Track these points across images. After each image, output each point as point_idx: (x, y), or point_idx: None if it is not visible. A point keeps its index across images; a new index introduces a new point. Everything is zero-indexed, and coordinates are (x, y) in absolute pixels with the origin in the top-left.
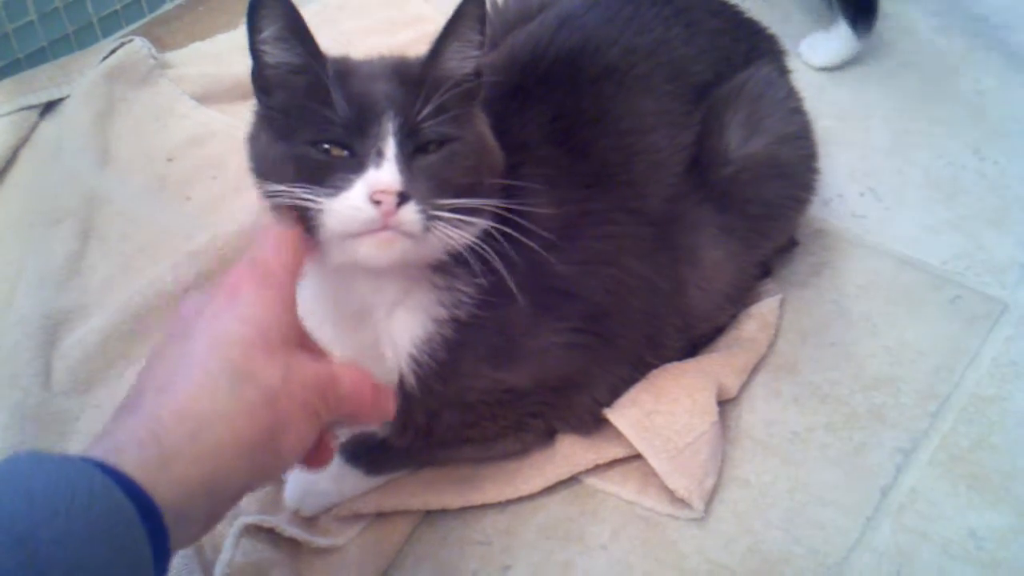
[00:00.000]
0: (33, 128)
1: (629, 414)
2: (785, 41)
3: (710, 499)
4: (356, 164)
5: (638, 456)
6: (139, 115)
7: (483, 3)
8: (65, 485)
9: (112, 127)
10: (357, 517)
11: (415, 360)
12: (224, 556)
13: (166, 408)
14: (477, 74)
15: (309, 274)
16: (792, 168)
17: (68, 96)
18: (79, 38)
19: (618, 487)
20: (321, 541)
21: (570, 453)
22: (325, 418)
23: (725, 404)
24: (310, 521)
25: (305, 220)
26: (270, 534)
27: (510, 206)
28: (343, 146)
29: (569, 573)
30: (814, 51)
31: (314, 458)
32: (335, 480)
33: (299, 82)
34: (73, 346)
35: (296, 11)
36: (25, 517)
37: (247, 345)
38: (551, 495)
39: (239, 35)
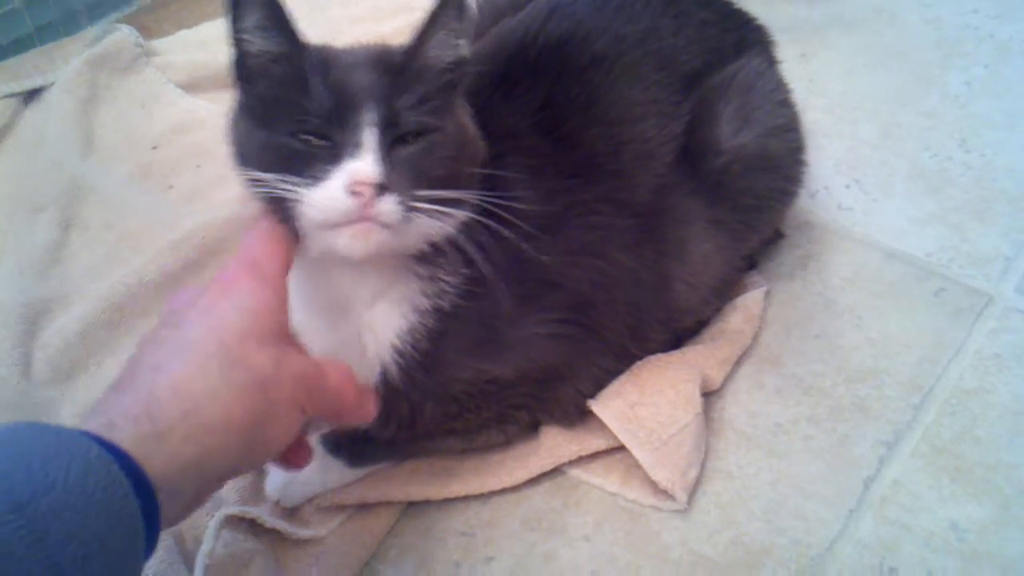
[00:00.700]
0: (16, 116)
1: (613, 406)
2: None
3: (693, 491)
4: (335, 155)
5: (621, 448)
6: (123, 103)
7: None
8: (63, 456)
9: (96, 115)
10: (339, 508)
11: (398, 351)
12: (205, 547)
13: (160, 386)
14: (459, 63)
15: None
16: (781, 160)
17: (52, 84)
18: (65, 25)
19: (601, 479)
20: (303, 532)
21: (553, 445)
22: (309, 412)
23: (709, 396)
24: (292, 512)
25: (284, 210)
26: (252, 525)
27: (491, 198)
28: (322, 136)
29: (552, 564)
30: None
31: (292, 457)
32: (317, 471)
33: (279, 71)
34: (53, 336)
35: (279, 2)
36: (23, 486)
37: (242, 333)
38: (534, 487)
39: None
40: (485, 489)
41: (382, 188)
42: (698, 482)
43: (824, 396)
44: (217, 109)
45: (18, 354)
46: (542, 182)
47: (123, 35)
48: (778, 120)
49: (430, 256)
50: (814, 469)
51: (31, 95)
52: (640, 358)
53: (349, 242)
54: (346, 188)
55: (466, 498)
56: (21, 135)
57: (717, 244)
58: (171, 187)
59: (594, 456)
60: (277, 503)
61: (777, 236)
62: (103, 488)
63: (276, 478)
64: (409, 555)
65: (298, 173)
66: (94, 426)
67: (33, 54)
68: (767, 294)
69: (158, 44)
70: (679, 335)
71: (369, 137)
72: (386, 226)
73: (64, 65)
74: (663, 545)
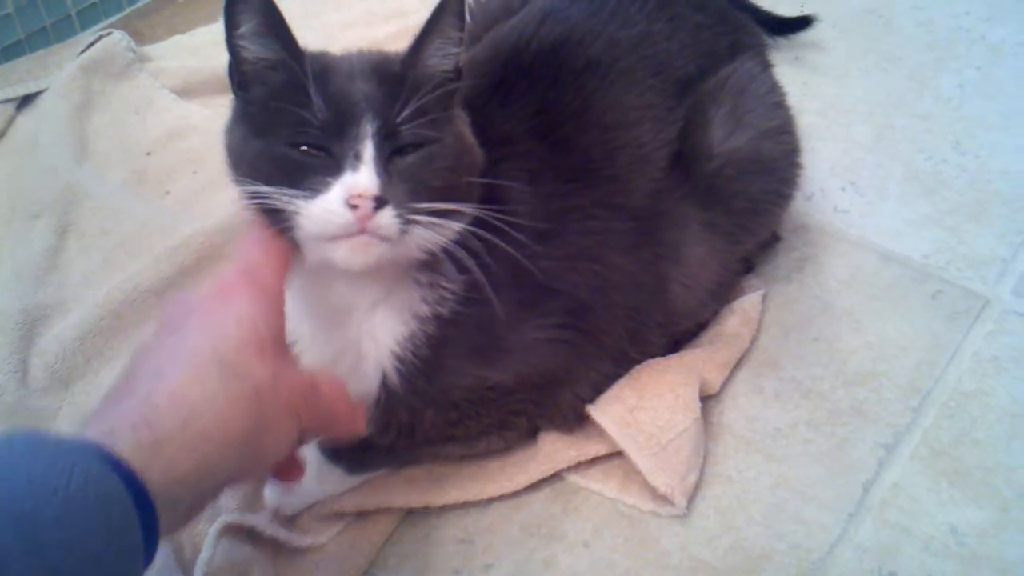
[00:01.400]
0: (10, 122)
1: (612, 411)
2: None
3: (692, 496)
4: (333, 166)
5: (620, 453)
6: (117, 109)
7: (460, 2)
8: (63, 466)
9: (90, 121)
10: (338, 516)
11: (398, 358)
12: (204, 555)
13: (159, 393)
14: (457, 72)
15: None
16: (775, 163)
17: (46, 90)
18: (57, 31)
19: (600, 484)
20: (301, 540)
21: (552, 450)
22: (303, 424)
23: (707, 400)
24: (290, 520)
25: (281, 221)
26: (250, 533)
27: (489, 209)
28: (320, 147)
29: (551, 571)
30: None
31: (285, 471)
32: (316, 478)
33: (277, 79)
34: (51, 342)
35: (274, 6)
36: (24, 496)
37: (240, 342)
38: (533, 493)
39: (219, 28)
40: (484, 495)
41: (380, 201)
42: (697, 487)
43: (823, 400)
44: (212, 114)
45: (15, 361)
46: (539, 188)
47: (116, 40)
48: (772, 123)
49: (430, 263)
50: (813, 473)
51: (24, 101)
52: (638, 362)
53: (347, 254)
54: (344, 201)
55: (465, 505)
56: (15, 141)
57: (713, 247)
58: (167, 193)
59: (593, 461)
60: (276, 511)
61: (774, 239)
62: (103, 499)
63: (275, 486)
64: (408, 563)
65: (295, 185)
66: (94, 433)
67: (25, 60)
68: (764, 297)
69: (151, 49)
70: (677, 339)
71: (367, 149)
72: (384, 239)
73: (57, 71)
74: (662, 551)
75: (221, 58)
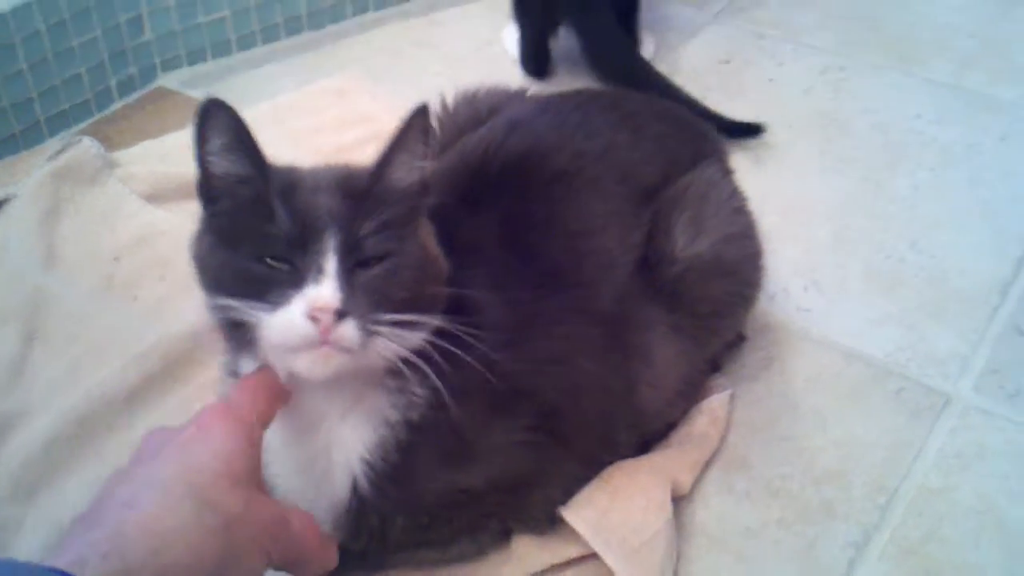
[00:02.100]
0: None
1: (584, 513)
2: None
3: None
4: (297, 279)
5: (594, 555)
6: (86, 215)
7: (429, 115)
8: None
9: (59, 227)
10: None
11: (368, 464)
12: None
13: (130, 523)
14: (423, 185)
15: None
16: (737, 267)
17: (14, 196)
18: (26, 138)
19: None
20: None
21: (525, 554)
22: (273, 558)
23: (679, 500)
24: None
25: (245, 331)
26: None
27: (453, 319)
28: (285, 260)
29: None
30: None
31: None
32: None
33: (244, 193)
34: (15, 450)
35: (243, 123)
36: None
37: (214, 474)
38: None
39: (187, 134)
40: None
41: (342, 313)
42: None
43: (792, 499)
44: (180, 220)
45: None
46: (506, 295)
47: (85, 147)
48: (733, 228)
49: (399, 369)
50: (785, 573)
51: None
52: (609, 463)
53: (309, 365)
54: (306, 314)
55: None
56: None
57: (680, 349)
58: (135, 298)
59: (567, 564)
60: None
61: (739, 339)
62: None
63: None
64: None
65: (259, 297)
66: (64, 563)
67: None
68: (732, 397)
69: (120, 155)
70: (647, 439)
71: (330, 263)
72: (346, 350)
73: (26, 177)
74: None
75: (190, 163)
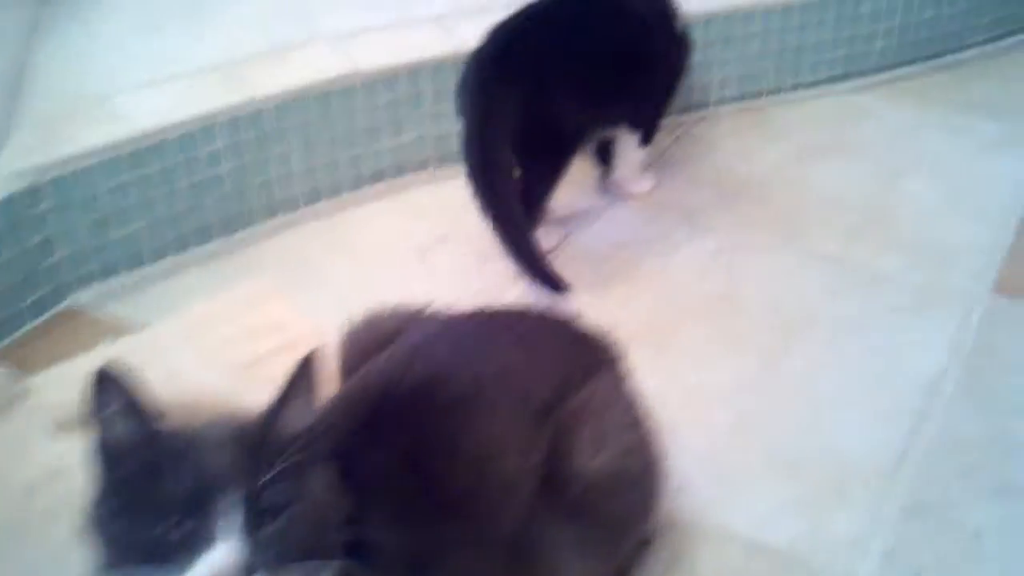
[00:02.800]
0: None
1: None
2: None
3: None
4: (199, 541)
5: None
6: None
7: (317, 361)
8: None
9: None
10: None
11: None
12: None
13: None
14: (317, 428)
15: None
16: (639, 478)
17: None
18: None
19: None
20: None
21: None
22: None
23: None
24: None
25: None
26: None
27: (356, 556)
28: (185, 523)
29: None
30: None
31: None
32: None
33: (139, 456)
34: None
35: (136, 388)
36: None
37: None
38: None
39: (99, 356)
40: None
41: (245, 569)
42: None
43: None
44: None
45: None
46: (409, 525)
47: None
48: (631, 440)
49: None
50: None
51: None
52: None
53: None
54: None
55: None
56: None
57: (586, 564)
58: (50, 537)
59: None
60: None
61: (643, 543)
62: None
63: None
64: None
65: (163, 561)
66: None
67: None
68: None
69: (32, 381)
70: None
71: (231, 521)
72: None
73: None
74: None
75: None
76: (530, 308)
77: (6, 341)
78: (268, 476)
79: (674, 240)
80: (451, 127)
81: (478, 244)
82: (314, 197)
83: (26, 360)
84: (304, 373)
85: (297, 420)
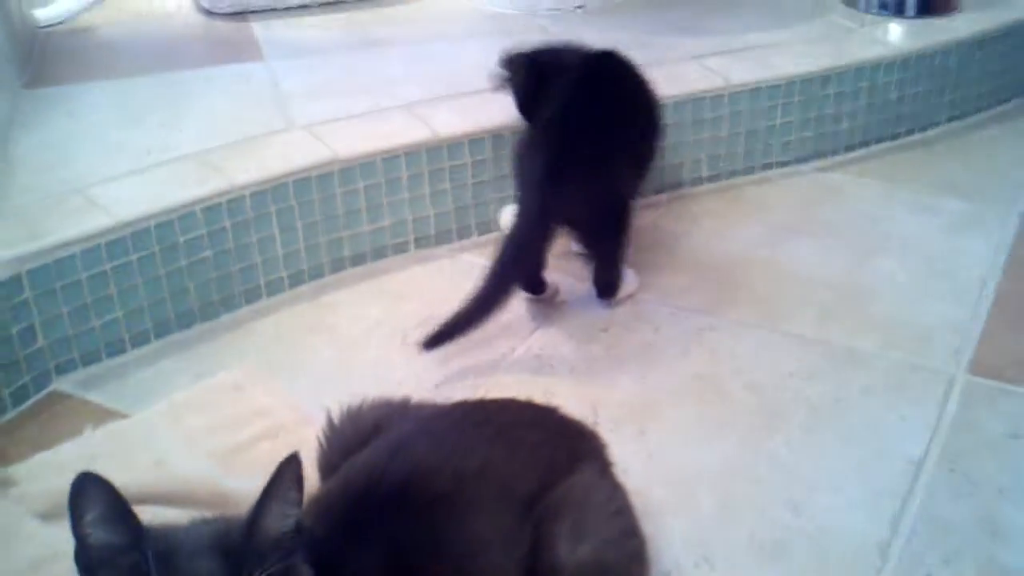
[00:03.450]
0: None
1: None
2: None
3: None
4: None
5: None
6: None
7: (299, 463)
8: None
9: None
10: None
11: None
12: None
13: None
14: (298, 530)
15: None
16: (621, 568)
17: None
18: None
19: None
20: None
21: None
22: None
23: None
24: None
25: None
26: None
27: None
28: None
29: None
30: None
31: None
32: None
33: (124, 562)
34: None
35: (117, 493)
36: None
37: None
38: None
39: (82, 443)
40: None
41: None
42: None
43: None
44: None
45: None
46: None
47: None
48: (613, 531)
49: None
50: None
51: None
52: None
53: None
54: None
55: None
56: None
57: None
58: None
59: None
60: None
61: None
62: None
63: None
64: None
65: None
66: None
67: None
68: None
69: (15, 471)
70: None
71: None
72: None
73: None
74: None
75: None
76: (512, 399)
77: None
78: None
79: (655, 322)
80: (429, 211)
81: None
82: (296, 280)
83: (9, 449)
84: (286, 474)
85: (280, 522)
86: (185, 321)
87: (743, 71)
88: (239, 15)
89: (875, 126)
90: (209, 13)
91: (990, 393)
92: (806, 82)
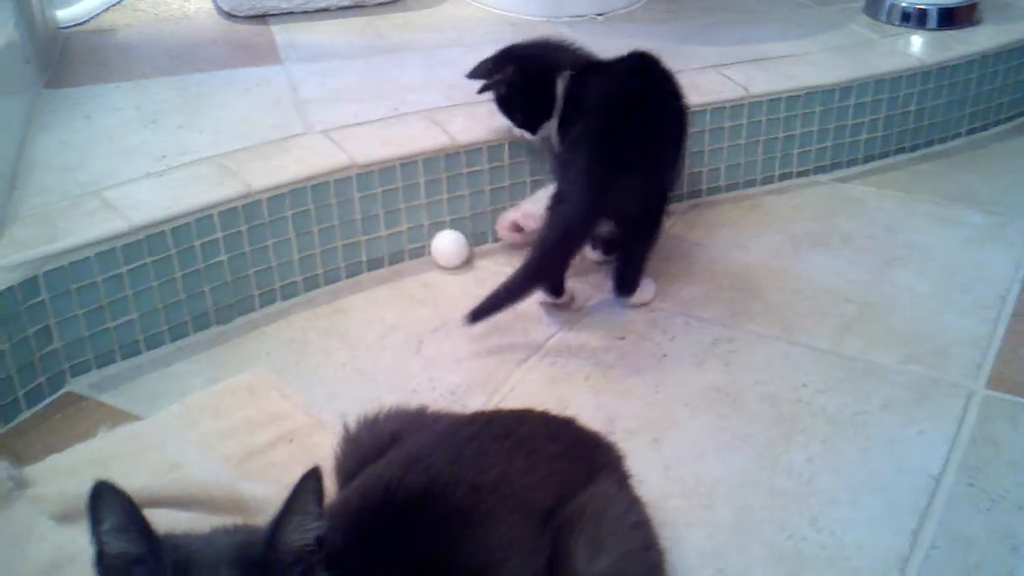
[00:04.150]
0: None
1: None
2: None
3: None
4: None
5: None
6: None
7: (321, 476)
8: None
9: None
10: None
11: None
12: None
13: None
14: (319, 543)
15: None
16: None
17: None
18: None
19: None
20: None
21: None
22: None
23: None
24: None
25: None
26: None
27: None
28: None
29: None
30: None
31: None
32: None
33: (140, 572)
34: None
35: (133, 503)
36: None
37: None
38: None
39: (96, 445)
40: None
41: None
42: None
43: None
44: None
45: None
46: None
47: None
48: (632, 544)
49: None
50: None
51: None
52: None
53: None
54: None
55: None
56: None
57: None
58: None
59: None
60: None
61: None
62: None
63: None
64: None
65: None
66: None
67: None
68: None
69: (29, 472)
70: None
71: None
72: None
73: None
74: None
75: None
76: (529, 410)
77: (3, 430)
78: None
79: (670, 332)
80: (446, 216)
81: (475, 333)
82: (311, 284)
83: (23, 450)
84: (307, 487)
85: (300, 536)
86: (200, 324)
87: (763, 81)
88: (258, 18)
89: (895, 137)
90: (228, 16)
91: (1009, 408)
92: (826, 93)
